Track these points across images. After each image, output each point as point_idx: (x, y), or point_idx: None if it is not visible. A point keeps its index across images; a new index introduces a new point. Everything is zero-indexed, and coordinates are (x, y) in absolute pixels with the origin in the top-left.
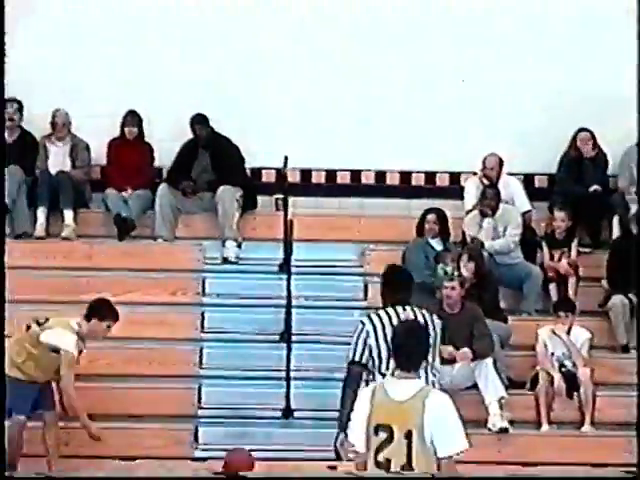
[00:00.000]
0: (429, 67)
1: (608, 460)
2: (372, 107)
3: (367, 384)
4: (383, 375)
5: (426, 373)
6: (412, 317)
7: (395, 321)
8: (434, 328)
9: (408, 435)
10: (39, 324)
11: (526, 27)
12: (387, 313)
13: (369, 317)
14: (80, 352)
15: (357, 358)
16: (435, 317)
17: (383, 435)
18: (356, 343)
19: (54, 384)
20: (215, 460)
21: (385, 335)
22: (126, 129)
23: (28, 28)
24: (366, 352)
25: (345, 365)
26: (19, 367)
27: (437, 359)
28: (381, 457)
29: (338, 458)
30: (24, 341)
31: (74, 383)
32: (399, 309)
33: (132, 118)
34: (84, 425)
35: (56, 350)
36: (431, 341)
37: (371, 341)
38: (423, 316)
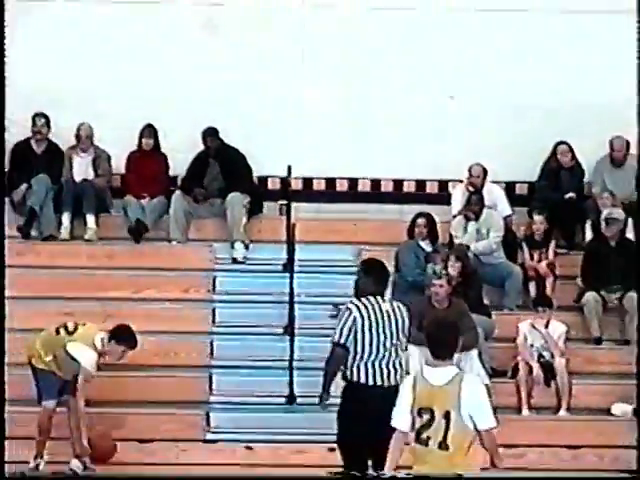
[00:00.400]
0: (419, 85)
1: (582, 442)
2: (368, 122)
3: (346, 365)
4: (361, 357)
5: (397, 353)
6: (389, 307)
7: (377, 310)
8: (402, 315)
9: (446, 415)
10: (68, 332)
11: (509, 45)
12: (370, 302)
13: (356, 305)
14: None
15: (342, 341)
16: (403, 306)
17: (426, 417)
18: (342, 327)
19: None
20: (226, 442)
21: (370, 322)
22: (143, 141)
23: (56, 49)
24: (351, 336)
25: (386, 361)
26: (45, 363)
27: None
28: (424, 435)
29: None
30: (52, 343)
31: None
32: (379, 299)
33: (149, 131)
34: (77, 440)
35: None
36: (400, 327)
37: (357, 327)
38: (397, 306)
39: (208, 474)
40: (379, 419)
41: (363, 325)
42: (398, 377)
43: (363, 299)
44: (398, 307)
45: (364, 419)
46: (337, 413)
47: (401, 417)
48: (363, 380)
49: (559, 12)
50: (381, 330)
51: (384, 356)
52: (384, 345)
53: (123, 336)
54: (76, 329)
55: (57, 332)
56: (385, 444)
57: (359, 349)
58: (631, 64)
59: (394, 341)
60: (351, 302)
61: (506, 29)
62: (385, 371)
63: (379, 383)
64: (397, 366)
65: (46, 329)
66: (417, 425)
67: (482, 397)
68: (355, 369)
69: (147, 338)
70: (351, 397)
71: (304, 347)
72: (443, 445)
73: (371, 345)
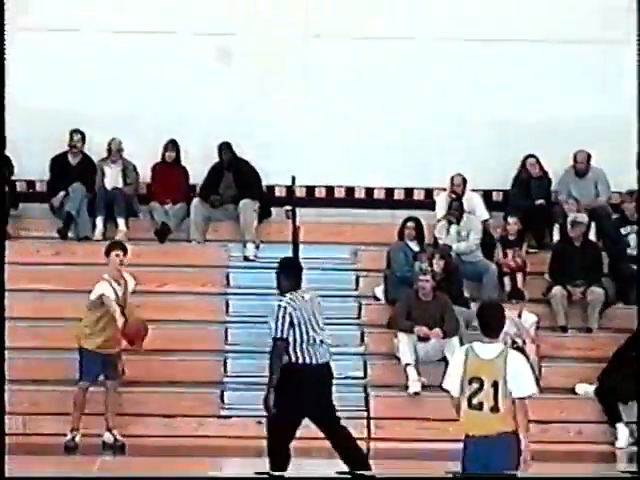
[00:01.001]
0: (408, 106)
1: (550, 418)
2: (363, 138)
3: (287, 353)
4: (300, 343)
5: (322, 331)
6: (308, 296)
7: (303, 301)
8: (318, 301)
9: (494, 384)
10: None
11: (487, 70)
12: (296, 296)
13: (287, 301)
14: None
15: (284, 335)
16: (314, 293)
17: (475, 385)
18: (280, 323)
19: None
20: (239, 418)
21: (302, 313)
22: (166, 154)
23: (90, 74)
24: (289, 329)
25: (318, 341)
26: (88, 338)
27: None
28: (475, 401)
29: (267, 411)
30: (88, 318)
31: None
32: (299, 292)
33: (171, 146)
34: (111, 416)
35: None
36: (319, 310)
37: (294, 320)
38: (312, 294)
39: (221, 447)
40: (320, 392)
41: (297, 317)
42: (328, 354)
43: (288, 295)
44: (313, 295)
45: (308, 394)
46: (278, 392)
47: (453, 383)
48: (306, 361)
49: (533, 42)
50: (311, 317)
51: (315, 338)
52: (313, 329)
53: (109, 247)
54: None
55: None
56: (326, 412)
57: (297, 337)
58: (594, 86)
59: (320, 324)
60: (281, 300)
61: (486, 57)
62: (319, 350)
63: (316, 361)
64: (325, 344)
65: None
66: (467, 393)
67: (524, 369)
68: (298, 353)
69: (169, 326)
70: (294, 377)
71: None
72: (495, 409)
73: (307, 332)
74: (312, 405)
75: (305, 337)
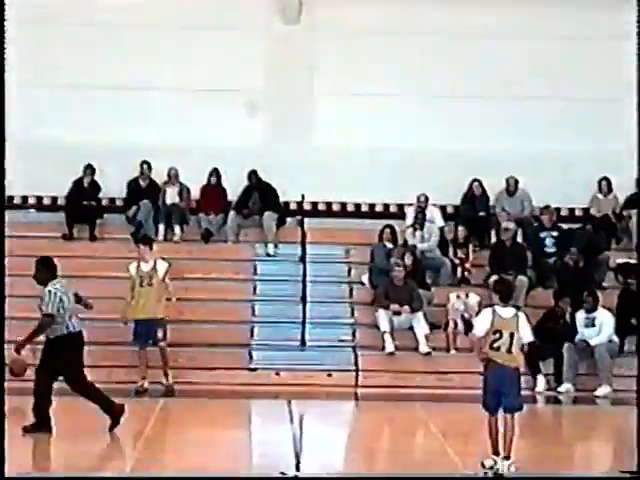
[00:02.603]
0: (388, 145)
1: None
2: (354, 169)
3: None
4: (70, 318)
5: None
6: (65, 282)
7: (65, 288)
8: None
9: (511, 335)
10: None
11: (445, 112)
12: (59, 284)
13: (56, 288)
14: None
15: (52, 312)
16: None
17: (497, 335)
18: (52, 302)
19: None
20: (263, 370)
21: (68, 296)
22: (211, 179)
23: (156, 118)
24: (59, 307)
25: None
26: (128, 310)
27: None
28: (495, 345)
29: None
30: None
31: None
32: (58, 281)
33: (215, 172)
34: (164, 369)
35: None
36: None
37: (65, 300)
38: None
39: (250, 391)
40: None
41: (65, 299)
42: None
43: (54, 283)
44: (65, 283)
45: (78, 355)
46: (59, 355)
47: (481, 331)
48: (75, 329)
49: (483, 98)
50: (71, 298)
51: (73, 313)
52: (70, 303)
53: (139, 240)
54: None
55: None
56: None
57: (66, 312)
58: (521, 130)
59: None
60: (53, 287)
61: (447, 111)
62: (78, 322)
63: (79, 329)
64: (77, 317)
65: None
66: (490, 339)
67: (528, 326)
68: (69, 324)
69: (212, 304)
70: (69, 344)
71: (312, 310)
72: (509, 351)
73: (71, 309)
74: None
75: (69, 313)
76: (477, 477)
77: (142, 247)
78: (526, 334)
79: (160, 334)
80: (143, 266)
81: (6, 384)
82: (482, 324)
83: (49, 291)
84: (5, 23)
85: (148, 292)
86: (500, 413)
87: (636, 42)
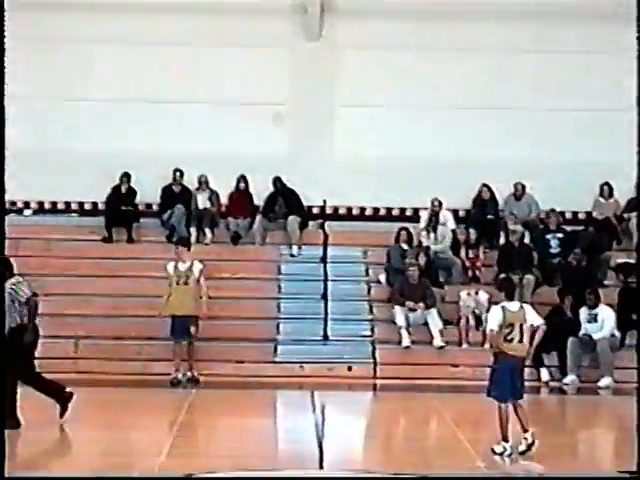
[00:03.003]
0: (404, 154)
1: None
2: (372, 177)
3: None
4: (28, 314)
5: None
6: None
7: (24, 285)
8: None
9: (520, 327)
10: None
11: (457, 127)
12: (19, 281)
13: (18, 286)
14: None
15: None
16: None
17: (510, 329)
18: (18, 299)
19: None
20: (287, 363)
21: (26, 292)
22: (240, 185)
23: (189, 130)
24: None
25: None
26: (165, 306)
27: None
28: (508, 337)
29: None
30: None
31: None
32: (16, 279)
33: (243, 179)
34: (192, 360)
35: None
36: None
37: (24, 296)
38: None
39: (276, 383)
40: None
41: (24, 294)
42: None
43: (13, 280)
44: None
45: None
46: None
47: (495, 325)
48: (26, 320)
49: (486, 109)
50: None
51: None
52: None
53: (177, 242)
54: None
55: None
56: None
57: (24, 307)
58: (527, 139)
59: None
60: (13, 285)
61: (458, 121)
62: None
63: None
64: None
65: None
66: (504, 333)
67: (535, 314)
68: (24, 317)
69: (241, 301)
70: (23, 334)
71: (333, 307)
72: (520, 341)
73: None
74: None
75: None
76: (478, 477)
77: (180, 248)
78: (535, 319)
79: (193, 330)
80: (180, 266)
81: None
82: (495, 319)
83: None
84: (51, 42)
85: (184, 290)
86: (510, 401)
87: (636, 50)
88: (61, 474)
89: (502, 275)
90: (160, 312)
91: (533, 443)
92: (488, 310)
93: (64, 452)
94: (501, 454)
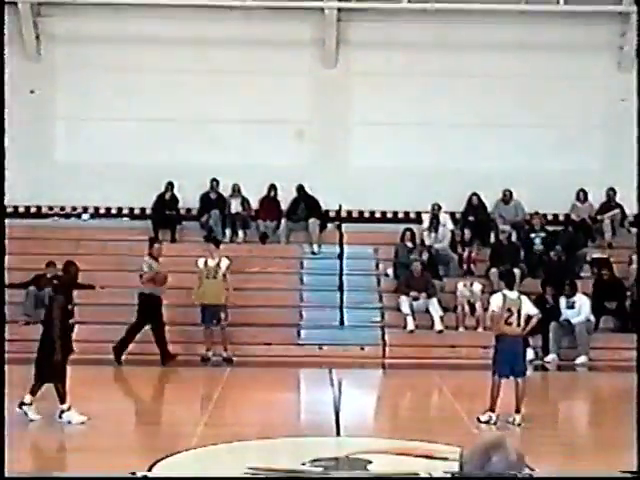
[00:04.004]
0: (408, 167)
1: (489, 344)
2: (382, 185)
3: None
4: None
5: None
6: None
7: None
8: None
9: (518, 311)
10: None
11: (455, 141)
12: None
13: None
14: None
15: None
16: None
17: (509, 313)
18: None
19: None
20: (309, 345)
21: None
22: (270, 193)
23: (225, 144)
24: None
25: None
26: (196, 295)
27: None
28: (509, 321)
29: None
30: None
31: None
32: None
33: (272, 188)
34: (224, 344)
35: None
36: None
37: None
38: None
39: (298, 362)
40: None
41: None
42: None
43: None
44: None
45: None
46: None
47: (497, 309)
48: None
49: (481, 126)
50: None
51: None
52: None
53: (208, 241)
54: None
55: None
56: None
57: None
58: (516, 151)
59: None
60: None
61: (458, 137)
62: None
63: None
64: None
65: None
66: (505, 317)
67: (531, 304)
68: None
69: (269, 292)
70: None
71: (348, 297)
72: (518, 325)
73: None
74: None
75: None
76: (478, 477)
77: (211, 246)
78: (530, 309)
79: (222, 316)
80: (210, 262)
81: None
82: (496, 304)
83: None
84: (101, 71)
85: (213, 283)
86: (511, 378)
87: (634, 52)
88: (112, 441)
89: (493, 269)
90: (194, 300)
91: (520, 425)
92: (481, 299)
93: (115, 420)
94: (487, 422)
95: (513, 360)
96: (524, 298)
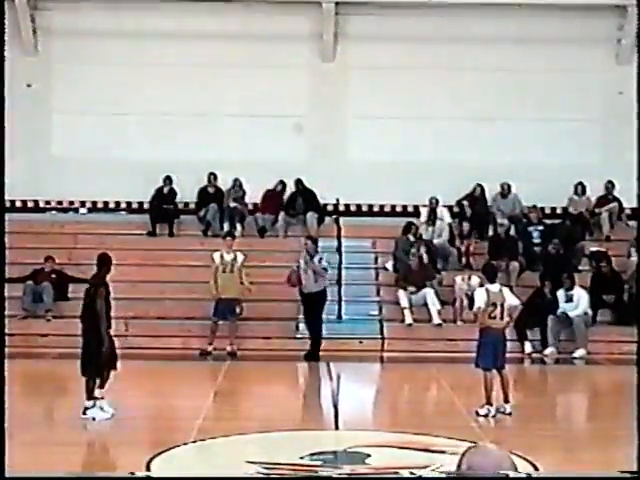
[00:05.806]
0: (407, 160)
1: None
2: (380, 178)
3: None
4: None
5: None
6: None
7: None
8: None
9: (501, 305)
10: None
11: (456, 136)
12: None
13: None
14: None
15: None
16: None
17: (493, 307)
18: None
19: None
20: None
21: None
22: (278, 188)
23: (224, 139)
24: None
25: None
26: (210, 289)
27: None
28: (492, 315)
29: None
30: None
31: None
32: None
33: (281, 184)
34: (232, 338)
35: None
36: None
37: None
38: None
39: (297, 356)
40: None
41: None
42: None
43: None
44: None
45: None
46: None
47: (481, 303)
48: None
49: (481, 120)
50: None
51: None
52: None
53: (224, 236)
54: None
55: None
56: None
57: None
58: (513, 147)
59: None
60: None
61: (457, 132)
62: None
63: None
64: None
65: None
66: (489, 311)
67: (511, 294)
68: None
69: (268, 286)
70: None
71: (346, 290)
72: (501, 318)
73: None
74: None
75: None
76: (477, 477)
77: (229, 240)
78: (512, 300)
79: (238, 310)
80: (226, 256)
81: None
82: (481, 299)
83: None
84: (105, 65)
85: (229, 277)
86: (494, 370)
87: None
88: (111, 434)
89: (491, 261)
90: (213, 295)
91: (510, 414)
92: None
93: (118, 414)
94: (485, 416)
95: (495, 353)
96: (505, 290)
